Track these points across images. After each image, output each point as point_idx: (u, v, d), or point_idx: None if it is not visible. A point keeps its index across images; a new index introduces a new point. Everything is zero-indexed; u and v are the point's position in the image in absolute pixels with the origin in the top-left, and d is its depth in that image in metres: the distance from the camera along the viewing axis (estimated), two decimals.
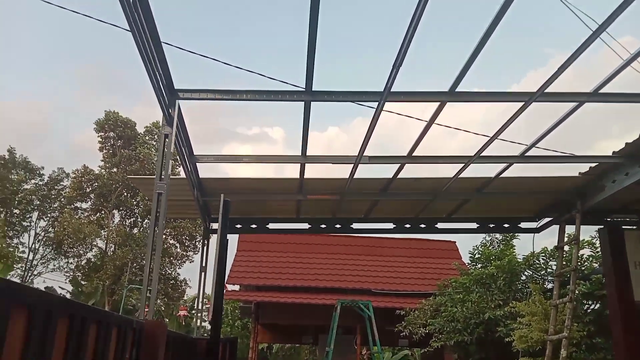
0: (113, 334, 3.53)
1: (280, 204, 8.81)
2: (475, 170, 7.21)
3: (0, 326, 2.04)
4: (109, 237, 34.53)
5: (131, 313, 30.99)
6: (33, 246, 36.36)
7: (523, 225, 9.48)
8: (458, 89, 5.06)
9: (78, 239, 32.67)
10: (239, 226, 9.26)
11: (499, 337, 11.76)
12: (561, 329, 8.31)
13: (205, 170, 7.35)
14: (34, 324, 2.39)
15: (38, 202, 36.38)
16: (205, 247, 8.85)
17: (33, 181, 36.64)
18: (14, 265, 31.70)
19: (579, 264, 9.84)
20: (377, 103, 5.23)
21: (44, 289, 27.85)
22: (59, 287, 34.12)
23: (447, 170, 7.31)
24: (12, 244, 34.60)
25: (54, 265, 36.38)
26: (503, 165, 7.07)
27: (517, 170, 7.24)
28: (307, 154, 6.49)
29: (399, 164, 6.93)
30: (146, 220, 35.55)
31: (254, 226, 9.27)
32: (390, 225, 9.35)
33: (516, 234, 13.39)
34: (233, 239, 20.71)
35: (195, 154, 6.62)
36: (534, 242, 10.09)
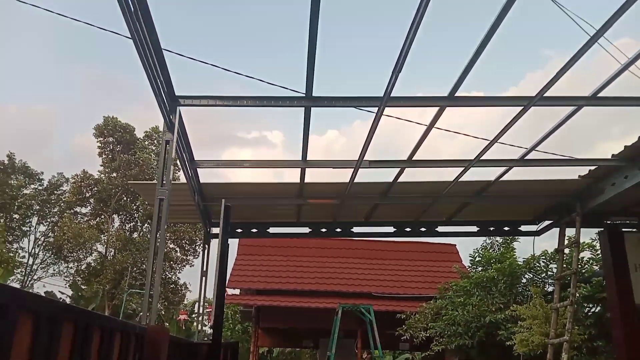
0: (116, 339, 3.55)
1: (280, 208, 8.83)
2: (475, 174, 7.24)
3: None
4: (109, 241, 34.53)
5: (131, 317, 30.95)
6: (33, 251, 36.37)
7: (523, 228, 9.50)
8: (457, 94, 5.09)
9: (78, 244, 32.68)
10: (239, 231, 9.28)
11: (500, 340, 11.75)
12: (562, 333, 8.32)
13: (206, 175, 7.40)
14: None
15: (38, 207, 36.39)
16: (206, 252, 8.87)
17: (32, 186, 36.67)
18: (14, 270, 31.67)
19: (580, 266, 9.85)
20: (377, 108, 5.26)
21: (43, 294, 27.83)
22: (59, 291, 34.11)
23: (447, 174, 7.35)
24: (12, 249, 34.57)
25: (54, 270, 36.42)
26: (503, 169, 7.10)
27: (517, 174, 7.27)
28: (307, 158, 6.52)
29: (399, 168, 6.95)
30: (146, 225, 35.54)
31: (254, 230, 9.30)
32: (391, 229, 9.37)
33: (516, 237, 13.40)
34: (233, 243, 20.74)
35: (195, 159, 6.64)
36: (534, 244, 10.12)
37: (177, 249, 35.99)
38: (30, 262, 36.02)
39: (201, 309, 9.34)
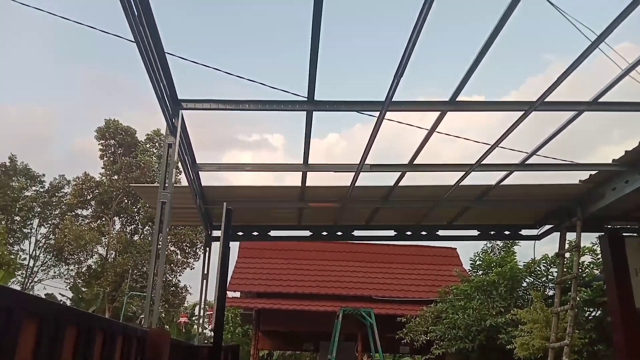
0: (118, 342, 3.57)
1: (281, 212, 8.85)
2: (476, 178, 7.26)
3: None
4: (110, 244, 34.53)
5: (131, 320, 30.94)
6: (33, 253, 36.39)
7: (524, 232, 9.51)
8: (458, 97, 5.11)
9: (79, 246, 32.68)
10: (240, 234, 9.30)
11: (501, 344, 11.76)
12: (563, 337, 8.32)
13: (207, 178, 7.40)
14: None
15: (39, 209, 36.42)
16: (207, 255, 8.88)
17: (34, 188, 36.72)
18: (15, 273, 31.68)
19: (580, 270, 9.86)
20: (378, 112, 5.28)
21: (44, 296, 27.83)
22: (59, 293, 34.17)
23: (448, 178, 7.36)
24: (13, 251, 34.60)
25: (55, 272, 36.41)
26: (504, 173, 7.11)
27: (518, 178, 7.29)
28: (309, 162, 6.54)
29: (400, 172, 6.97)
30: (147, 227, 35.55)
31: (255, 234, 9.31)
32: (392, 233, 9.38)
33: (517, 241, 13.41)
34: (234, 246, 20.66)
35: (197, 162, 6.67)
36: (535, 248, 10.12)
37: (178, 251, 36.00)
38: (31, 264, 36.04)
39: (202, 311, 9.35)
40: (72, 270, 36.29)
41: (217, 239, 8.97)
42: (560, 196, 8.02)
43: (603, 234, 8.65)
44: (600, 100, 5.11)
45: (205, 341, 10.01)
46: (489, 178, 7.46)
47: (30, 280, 35.74)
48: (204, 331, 10.65)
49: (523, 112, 5.23)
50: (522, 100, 5.27)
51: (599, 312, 10.67)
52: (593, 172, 7.08)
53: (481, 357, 12.88)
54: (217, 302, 6.75)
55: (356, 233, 9.45)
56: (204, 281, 8.81)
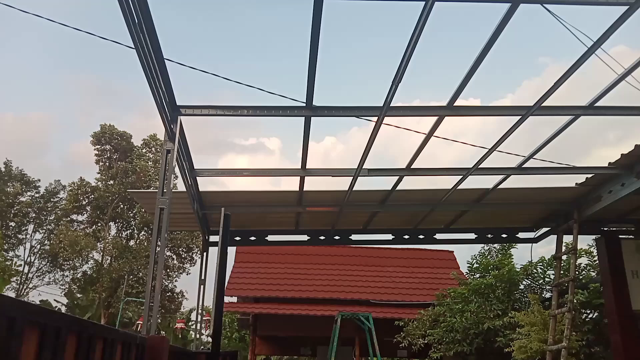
0: (118, 350, 3.58)
1: (279, 216, 8.85)
2: (473, 182, 7.29)
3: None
4: (105, 249, 34.38)
5: (127, 326, 30.79)
6: (28, 259, 36.18)
7: (521, 235, 9.56)
8: (456, 103, 5.14)
9: (74, 252, 32.51)
10: (238, 238, 9.29)
11: (499, 347, 11.76)
12: (560, 339, 8.34)
13: (204, 182, 7.43)
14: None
15: (34, 215, 36.24)
16: (204, 260, 8.86)
17: (29, 194, 36.53)
18: (10, 279, 31.49)
19: (577, 272, 9.90)
20: (376, 117, 5.30)
21: (38, 303, 27.67)
22: (54, 300, 33.92)
23: (445, 182, 7.40)
24: (8, 257, 34.39)
25: (50, 278, 36.19)
26: (501, 177, 7.15)
27: (515, 181, 7.33)
28: (307, 166, 6.55)
29: (398, 176, 7.00)
30: (143, 232, 35.41)
31: (253, 238, 9.31)
32: (389, 237, 9.40)
33: (514, 244, 13.45)
34: (230, 250, 20.64)
35: (195, 168, 6.66)
36: (532, 251, 10.15)
37: (174, 256, 35.88)
38: (26, 270, 35.82)
39: (200, 317, 9.32)
40: (67, 276, 36.11)
41: (214, 244, 8.97)
42: (557, 199, 8.07)
43: (599, 236, 8.71)
44: (597, 104, 5.16)
45: (202, 347, 9.98)
46: (486, 182, 7.50)
47: (25, 287, 35.53)
48: (201, 337, 10.60)
49: (520, 116, 5.26)
50: (519, 105, 5.31)
51: (595, 314, 10.71)
52: (589, 175, 7.13)
53: None
54: (215, 308, 6.74)
55: (354, 237, 9.47)
56: (202, 286, 8.79)
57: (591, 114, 5.36)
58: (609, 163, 6.60)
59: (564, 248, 9.08)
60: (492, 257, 14.80)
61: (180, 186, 7.06)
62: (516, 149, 6.66)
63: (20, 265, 35.29)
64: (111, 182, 34.80)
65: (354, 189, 7.16)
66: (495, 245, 14.84)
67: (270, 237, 9.43)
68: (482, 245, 15.15)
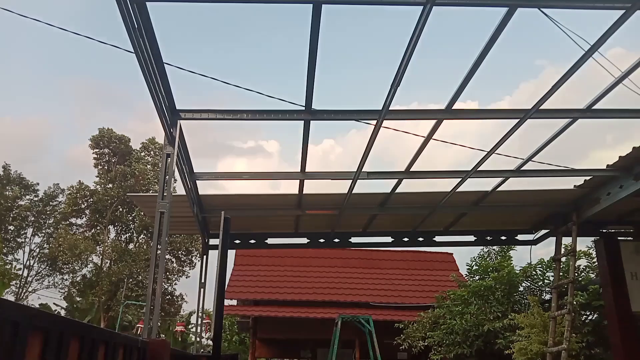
0: (119, 353, 3.61)
1: (278, 219, 8.86)
2: (472, 184, 7.32)
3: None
4: (105, 252, 34.35)
5: (127, 329, 30.74)
6: (27, 262, 36.13)
7: (520, 237, 9.58)
8: (454, 106, 5.17)
9: (73, 255, 32.47)
10: (237, 242, 9.30)
11: (499, 349, 11.78)
12: (560, 341, 8.36)
13: (203, 185, 7.39)
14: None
15: (33, 219, 36.20)
16: (204, 263, 8.88)
17: (28, 197, 36.50)
18: (10, 283, 31.46)
19: (576, 274, 9.92)
20: (375, 121, 5.33)
21: (38, 306, 27.64)
22: (54, 303, 33.85)
23: (445, 184, 7.43)
24: (7, 261, 34.35)
25: (49, 282, 36.14)
26: (499, 179, 7.17)
27: (514, 184, 7.36)
28: (306, 170, 6.57)
29: (397, 179, 7.02)
30: (142, 236, 35.39)
31: (252, 241, 9.32)
32: (389, 239, 9.42)
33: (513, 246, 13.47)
34: (230, 253, 20.62)
35: (195, 171, 6.68)
36: (531, 252, 10.17)
37: (173, 259, 35.85)
38: (25, 274, 35.78)
39: (200, 320, 9.33)
40: (66, 279, 36.05)
41: (214, 247, 8.98)
42: (556, 201, 8.10)
43: (598, 238, 8.73)
44: (594, 107, 5.19)
45: (202, 350, 9.99)
46: (485, 184, 7.53)
47: (24, 290, 35.48)
48: (201, 340, 10.61)
49: (518, 119, 5.30)
50: (516, 108, 5.34)
51: (595, 315, 10.73)
52: (588, 178, 7.16)
53: None
54: (215, 311, 6.75)
55: (354, 240, 9.49)
56: (202, 290, 8.80)
57: (589, 116, 5.39)
58: (607, 165, 6.63)
59: (563, 250, 9.11)
60: (492, 259, 14.82)
61: (180, 189, 7.07)
62: (513, 152, 6.70)
63: (20, 269, 35.28)
64: (110, 185, 34.78)
65: (354, 191, 7.18)
66: (495, 247, 14.85)
67: (269, 240, 9.45)
68: (482, 247, 15.16)
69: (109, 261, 34.35)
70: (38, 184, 36.98)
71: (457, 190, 7.24)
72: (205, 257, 8.93)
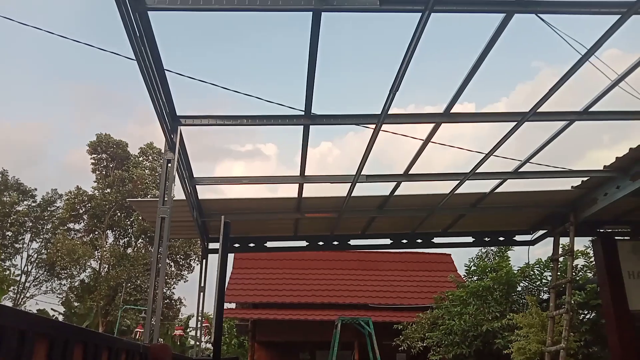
0: (122, 358, 3.65)
1: (278, 223, 8.89)
2: (470, 186, 7.36)
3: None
4: (103, 257, 34.28)
5: (125, 334, 30.67)
6: (25, 268, 36.02)
7: (518, 238, 9.64)
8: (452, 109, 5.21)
9: (71, 260, 32.39)
10: (237, 245, 9.33)
11: (497, 349, 11.82)
12: (558, 340, 8.41)
13: (201, 189, 7.40)
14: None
15: (31, 224, 36.10)
16: (204, 267, 8.90)
17: (26, 203, 36.39)
18: (8, 289, 31.38)
19: (574, 274, 9.98)
20: (374, 125, 5.37)
21: (36, 312, 27.55)
22: (52, 309, 33.71)
23: (443, 186, 7.47)
24: (5, 267, 34.24)
25: (47, 287, 36.03)
26: (497, 181, 7.22)
27: (511, 185, 7.41)
28: (305, 173, 6.60)
29: (396, 182, 7.06)
30: (140, 240, 35.33)
31: (252, 245, 9.35)
32: (388, 241, 9.46)
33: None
34: (229, 256, 20.60)
35: (195, 176, 6.71)
36: (529, 252, 10.24)
37: (172, 264, 35.80)
38: (23, 279, 35.67)
39: (200, 324, 9.35)
40: (64, 285, 35.95)
41: (213, 251, 9.01)
42: (553, 202, 8.15)
43: (596, 237, 8.79)
44: (591, 109, 5.24)
45: (202, 354, 10.00)
46: (483, 186, 7.58)
47: (22, 296, 35.36)
48: (199, 343, 10.62)
49: (515, 122, 5.34)
50: (514, 112, 5.38)
51: (593, 314, 10.79)
52: (585, 178, 7.21)
53: None
54: (215, 316, 6.77)
55: (352, 242, 9.53)
56: (201, 294, 8.82)
57: (585, 119, 5.45)
58: (604, 166, 6.68)
59: (560, 250, 9.17)
60: (490, 260, 14.87)
61: (178, 194, 7.08)
62: (511, 153, 6.75)
63: (18, 274, 35.18)
64: (108, 190, 34.72)
65: (353, 194, 7.22)
66: (493, 247, 14.90)
67: (269, 244, 9.48)
68: (480, 248, 15.22)
69: (107, 266, 34.29)
70: (36, 189, 36.91)
71: (456, 192, 7.29)
72: (204, 261, 8.95)
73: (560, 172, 6.99)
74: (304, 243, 9.52)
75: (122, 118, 65.36)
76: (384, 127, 5.68)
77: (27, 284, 35.87)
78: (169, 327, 35.14)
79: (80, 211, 35.10)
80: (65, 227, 35.54)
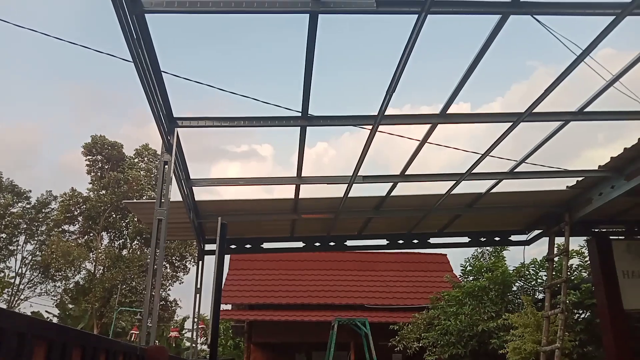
0: None
1: (274, 224, 8.88)
2: (466, 186, 7.39)
3: None
4: (98, 259, 34.14)
5: (120, 336, 30.55)
6: (20, 270, 35.81)
7: (513, 238, 9.67)
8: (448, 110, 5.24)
9: (66, 262, 32.24)
10: (233, 246, 9.32)
11: (493, 349, 11.87)
12: (554, 340, 8.45)
13: (197, 190, 7.38)
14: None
15: (25, 226, 35.89)
16: (200, 269, 8.88)
17: (20, 204, 36.18)
18: (2, 291, 31.21)
19: (569, 273, 10.04)
20: (371, 126, 5.38)
21: (30, 314, 27.40)
22: (46, 311, 33.54)
23: (439, 187, 7.49)
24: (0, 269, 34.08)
25: (41, 289, 35.83)
26: (493, 181, 7.25)
27: (507, 185, 7.44)
28: (302, 174, 6.60)
29: (392, 183, 7.08)
30: (135, 242, 35.21)
31: (248, 246, 9.33)
32: (384, 242, 9.47)
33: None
34: (224, 258, 20.54)
35: (191, 177, 6.70)
36: (524, 252, 10.29)
37: (167, 265, 35.70)
38: (17, 281, 35.46)
39: (196, 325, 9.33)
40: (59, 287, 35.75)
41: (209, 252, 9.00)
42: (549, 202, 8.19)
43: (591, 237, 8.84)
44: (586, 110, 5.28)
45: (198, 356, 9.98)
46: (479, 186, 7.61)
47: (16, 298, 35.15)
48: (195, 345, 10.60)
49: (511, 123, 5.37)
50: (510, 112, 5.41)
51: (587, 314, 10.85)
52: (580, 178, 7.26)
53: None
54: (212, 318, 6.77)
55: (349, 243, 9.53)
56: (197, 295, 8.80)
57: (581, 119, 5.49)
58: (599, 166, 6.73)
59: (555, 250, 9.21)
60: (485, 260, 14.92)
61: (174, 195, 7.06)
62: (506, 153, 6.78)
63: (12, 277, 34.98)
64: (103, 192, 34.58)
65: (349, 195, 7.22)
66: (488, 247, 14.95)
67: (265, 245, 9.47)
68: (475, 248, 15.27)
69: (102, 268, 34.16)
70: (30, 191, 36.67)
71: (452, 192, 7.31)
72: (201, 262, 8.93)
73: (555, 172, 7.03)
74: (300, 244, 9.51)
75: (117, 119, 65.15)
76: (381, 127, 5.70)
77: (22, 286, 35.66)
78: (164, 328, 35.05)
79: (75, 213, 34.95)
80: (60, 229, 35.36)
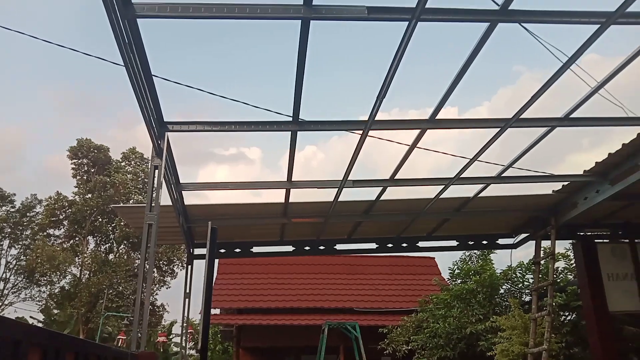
0: None
1: (264, 228, 8.89)
2: (454, 191, 7.48)
3: None
4: (84, 263, 33.75)
5: (106, 341, 30.23)
6: (4, 275, 35.28)
7: (501, 241, 9.77)
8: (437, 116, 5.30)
9: (52, 267, 31.82)
10: (223, 251, 9.29)
11: (481, 351, 11.97)
12: (541, 342, 8.55)
13: (186, 194, 7.35)
14: None
15: (9, 230, 35.38)
16: (189, 273, 8.84)
17: (4, 208, 35.67)
18: None
19: (555, 276, 10.17)
20: (361, 131, 5.43)
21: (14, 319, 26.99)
22: (30, 316, 33.08)
23: (427, 191, 7.57)
24: None
25: (26, 295, 35.33)
26: (481, 186, 7.34)
27: (494, 190, 7.53)
28: (292, 179, 6.63)
29: (382, 187, 7.13)
30: (122, 246, 34.88)
31: (238, 250, 9.32)
32: (373, 245, 9.52)
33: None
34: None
35: (181, 182, 6.69)
36: (511, 255, 10.39)
37: (155, 269, 35.44)
38: (1, 286, 34.93)
39: (184, 330, 9.30)
40: (44, 292, 35.28)
41: (198, 256, 8.96)
42: (535, 206, 8.31)
43: (576, 241, 8.97)
44: (572, 116, 5.38)
45: None
46: (467, 191, 7.70)
47: (0, 304, 34.62)
48: (183, 350, 10.56)
49: (499, 129, 5.46)
50: (497, 118, 5.50)
51: (574, 316, 11.00)
52: (565, 183, 7.38)
53: None
54: (202, 323, 6.75)
55: (338, 247, 9.56)
56: (187, 300, 8.76)
57: (567, 125, 5.59)
58: (584, 171, 6.85)
59: (542, 253, 9.34)
60: (473, 263, 15.05)
61: (163, 199, 7.04)
62: (494, 158, 6.87)
63: None
64: (89, 195, 34.21)
65: (339, 199, 7.26)
66: (476, 251, 15.08)
67: (255, 249, 9.46)
68: (463, 251, 15.39)
69: (88, 272, 33.77)
70: (14, 194, 36.16)
71: (440, 197, 7.39)
72: (190, 267, 8.90)
73: (541, 176, 7.14)
74: (290, 248, 9.53)
75: (104, 122, 64.57)
76: (370, 132, 5.76)
77: (6, 292, 35.13)
78: (151, 333, 34.74)
79: (61, 217, 34.54)
80: (45, 233, 34.89)
